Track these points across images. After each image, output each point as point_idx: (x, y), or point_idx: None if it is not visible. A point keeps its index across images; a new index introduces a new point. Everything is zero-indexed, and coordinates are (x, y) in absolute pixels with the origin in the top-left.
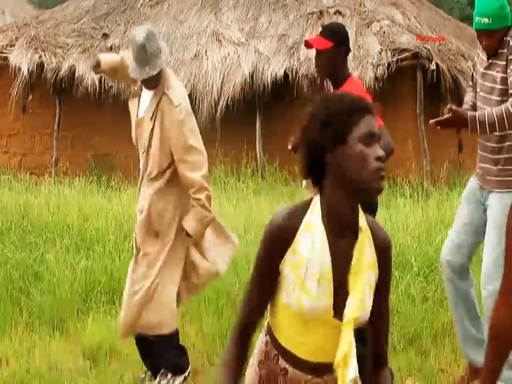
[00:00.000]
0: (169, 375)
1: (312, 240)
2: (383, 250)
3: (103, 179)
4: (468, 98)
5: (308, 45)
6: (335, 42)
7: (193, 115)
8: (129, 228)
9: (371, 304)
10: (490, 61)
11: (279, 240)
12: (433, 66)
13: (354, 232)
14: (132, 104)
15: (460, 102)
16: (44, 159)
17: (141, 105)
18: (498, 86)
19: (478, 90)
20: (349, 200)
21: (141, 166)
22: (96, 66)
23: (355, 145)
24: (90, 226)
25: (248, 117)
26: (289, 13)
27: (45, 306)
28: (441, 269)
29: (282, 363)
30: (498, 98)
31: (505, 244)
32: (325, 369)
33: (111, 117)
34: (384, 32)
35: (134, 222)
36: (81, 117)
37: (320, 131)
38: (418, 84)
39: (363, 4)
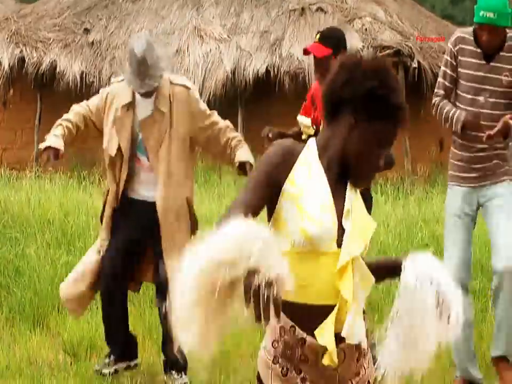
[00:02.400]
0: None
1: (309, 171)
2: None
3: (83, 174)
4: (448, 106)
5: (306, 52)
6: (334, 49)
7: None
8: None
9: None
10: (492, 63)
11: (278, 162)
12: (414, 64)
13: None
14: (124, 117)
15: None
16: (25, 154)
17: (140, 110)
18: (500, 89)
19: (467, 94)
20: (343, 170)
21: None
22: (54, 156)
23: (370, 140)
24: (71, 221)
25: (229, 113)
26: (271, 10)
27: (26, 302)
28: None
29: (299, 333)
30: (505, 101)
31: None
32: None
33: None
34: (366, 29)
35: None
36: (62, 112)
37: (362, 87)
38: (400, 81)
39: (345, 1)
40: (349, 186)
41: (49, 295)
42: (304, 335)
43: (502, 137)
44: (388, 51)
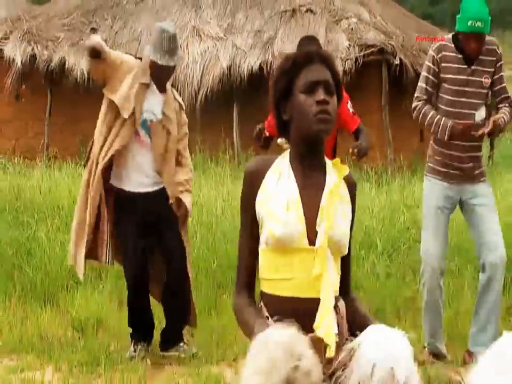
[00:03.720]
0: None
1: (279, 176)
2: (352, 188)
3: None
4: (432, 111)
5: None
6: None
7: None
8: None
9: (348, 233)
10: (473, 67)
11: (250, 183)
12: (397, 61)
13: (323, 172)
14: (140, 93)
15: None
16: (36, 143)
17: (148, 107)
18: (483, 91)
19: (451, 96)
20: (308, 147)
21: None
22: (97, 53)
23: (297, 96)
24: None
25: (225, 107)
26: (264, 10)
27: (37, 281)
28: (430, 275)
29: (270, 322)
30: (482, 101)
31: None
32: (310, 322)
33: (99, 104)
34: (352, 29)
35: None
36: (70, 105)
37: (274, 90)
38: (383, 77)
39: (333, 2)
40: (328, 186)
41: (58, 275)
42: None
43: (487, 135)
44: (372, 49)
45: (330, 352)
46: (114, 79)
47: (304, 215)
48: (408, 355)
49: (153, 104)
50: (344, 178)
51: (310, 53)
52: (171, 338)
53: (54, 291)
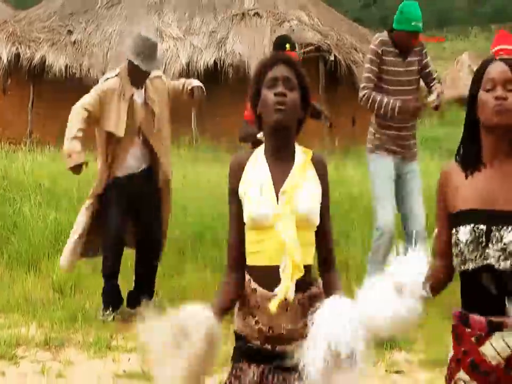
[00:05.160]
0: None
1: (255, 164)
2: (321, 167)
3: None
4: (380, 95)
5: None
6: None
7: None
8: (90, 186)
9: (317, 209)
10: (408, 59)
11: (233, 176)
12: (332, 58)
13: (292, 158)
14: (130, 105)
15: (353, 85)
16: (21, 131)
17: (137, 100)
18: (414, 77)
19: (389, 84)
20: (275, 136)
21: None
22: (78, 165)
23: (264, 92)
24: (58, 185)
25: None
26: (218, 14)
27: (22, 250)
28: (387, 238)
29: (253, 284)
30: (415, 87)
31: None
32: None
33: (76, 96)
34: (293, 30)
35: (93, 183)
36: (50, 97)
37: (250, 90)
38: (320, 72)
39: (277, 7)
40: (293, 168)
41: (41, 245)
42: (256, 285)
43: (435, 108)
44: (310, 47)
45: (274, 306)
46: (103, 112)
47: (276, 196)
48: (355, 327)
49: (139, 97)
50: (312, 160)
51: (275, 56)
52: (137, 299)
53: (37, 258)
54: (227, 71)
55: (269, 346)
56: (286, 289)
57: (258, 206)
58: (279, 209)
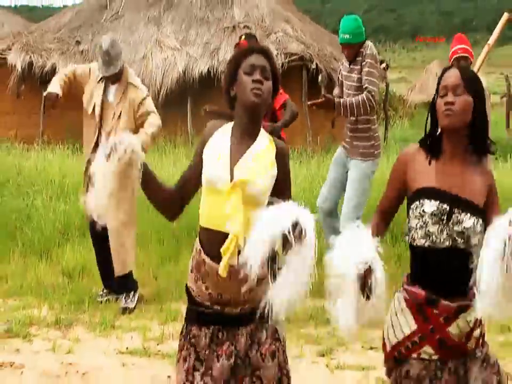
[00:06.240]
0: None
1: (220, 135)
2: (280, 154)
3: (76, 145)
4: (336, 92)
5: (241, 46)
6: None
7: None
8: None
9: (265, 190)
10: (351, 66)
11: (202, 138)
12: (313, 66)
13: (255, 139)
14: (97, 88)
15: (332, 91)
16: (33, 132)
17: (108, 94)
18: (355, 84)
19: (344, 88)
20: (247, 116)
21: (102, 137)
22: (54, 98)
23: (241, 77)
24: (67, 181)
25: (181, 103)
26: (211, 27)
27: (35, 239)
28: (319, 208)
29: (202, 255)
30: (355, 93)
31: None
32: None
33: (81, 99)
34: (279, 41)
35: None
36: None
37: (226, 73)
38: (303, 79)
39: (264, 20)
40: (251, 147)
41: (51, 235)
42: (205, 256)
43: (315, 106)
44: (294, 57)
45: (223, 271)
46: (86, 85)
47: (230, 167)
48: (295, 214)
49: (109, 92)
50: (275, 147)
51: (252, 46)
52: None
53: (48, 247)
54: (220, 77)
55: (219, 308)
56: (231, 255)
57: (214, 169)
58: (229, 183)
